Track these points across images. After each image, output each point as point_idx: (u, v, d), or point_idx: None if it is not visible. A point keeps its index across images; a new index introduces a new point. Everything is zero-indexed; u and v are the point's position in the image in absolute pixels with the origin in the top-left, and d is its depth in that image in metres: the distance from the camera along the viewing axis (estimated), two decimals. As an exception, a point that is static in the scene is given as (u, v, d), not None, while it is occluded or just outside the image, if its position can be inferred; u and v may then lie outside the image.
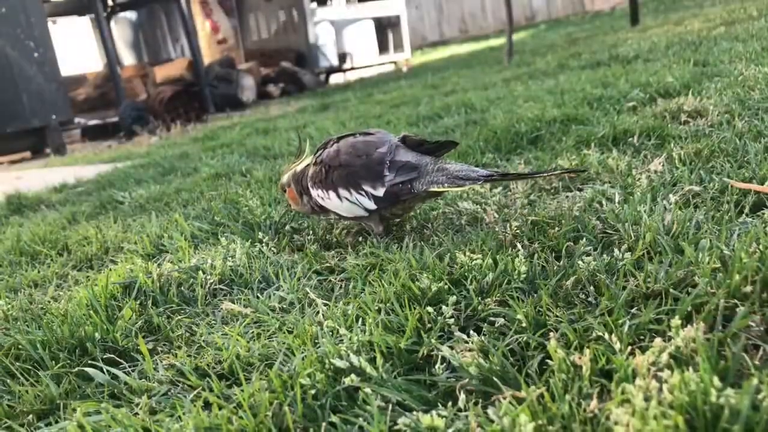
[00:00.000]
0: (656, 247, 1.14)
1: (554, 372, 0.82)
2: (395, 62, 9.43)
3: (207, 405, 0.97)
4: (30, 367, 1.21)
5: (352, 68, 8.84)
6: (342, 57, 8.69)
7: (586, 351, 0.82)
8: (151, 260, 1.70)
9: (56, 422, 1.03)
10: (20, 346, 1.28)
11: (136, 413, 0.99)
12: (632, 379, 0.76)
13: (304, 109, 5.23)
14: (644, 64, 3.34)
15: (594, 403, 0.73)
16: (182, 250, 1.67)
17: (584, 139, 2.00)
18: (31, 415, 1.06)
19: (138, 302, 1.40)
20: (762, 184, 1.33)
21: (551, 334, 0.93)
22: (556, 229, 1.31)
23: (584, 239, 1.24)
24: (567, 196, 1.57)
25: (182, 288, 1.44)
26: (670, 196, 1.36)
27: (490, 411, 0.77)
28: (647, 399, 0.67)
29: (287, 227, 1.71)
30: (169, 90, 6.60)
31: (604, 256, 1.14)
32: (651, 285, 0.99)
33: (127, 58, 9.33)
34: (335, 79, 8.94)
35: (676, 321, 0.81)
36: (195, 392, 1.01)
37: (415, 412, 0.81)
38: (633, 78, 2.87)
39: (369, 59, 9.05)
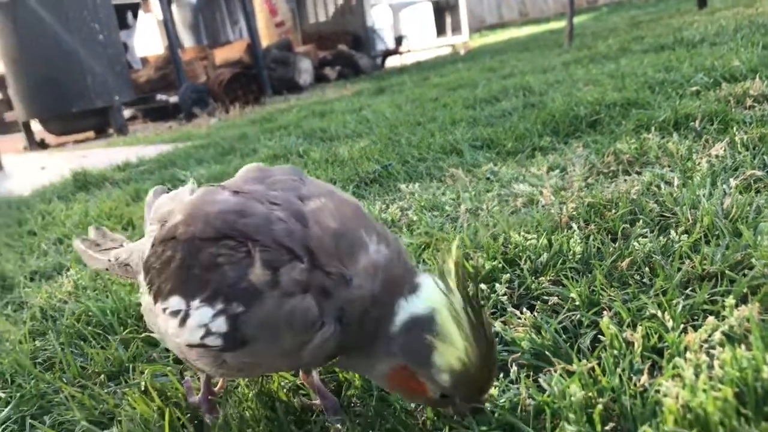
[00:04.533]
0: (714, 230, 1.13)
1: (606, 348, 0.83)
2: (453, 45, 9.37)
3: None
4: (100, 332, 1.29)
5: (409, 51, 8.82)
6: (399, 40, 8.68)
7: (639, 328, 0.83)
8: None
9: (126, 383, 1.09)
10: (91, 313, 1.35)
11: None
12: (683, 356, 0.76)
13: (360, 92, 5.26)
14: (710, 48, 3.24)
15: (644, 377, 0.74)
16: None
17: (644, 123, 1.97)
18: (102, 376, 1.13)
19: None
20: (829, 169, 1.29)
21: (604, 312, 0.94)
22: (613, 211, 1.31)
23: (641, 221, 1.23)
24: (625, 180, 1.56)
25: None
26: (731, 180, 1.34)
27: (541, 379, 0.79)
28: (697, 373, 0.68)
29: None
30: (228, 72, 6.72)
31: (661, 238, 1.14)
32: (707, 267, 0.99)
33: (187, 40, 9.52)
34: (392, 62, 8.95)
35: (730, 301, 0.81)
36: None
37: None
38: (697, 62, 2.80)
39: (426, 42, 9.01)
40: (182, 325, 0.74)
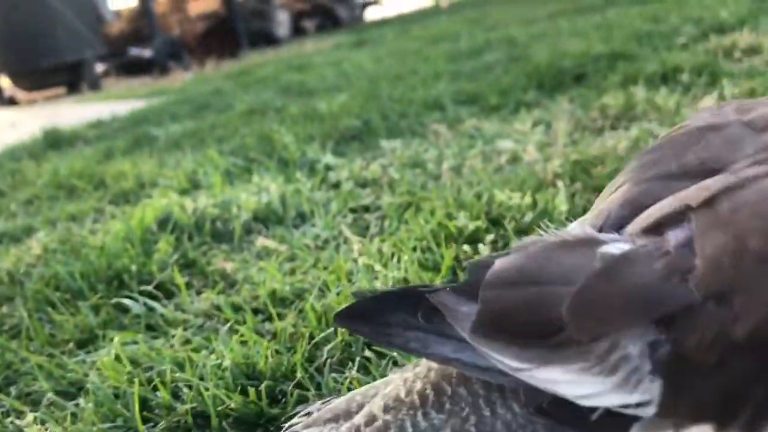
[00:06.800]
0: (706, 188, 1.09)
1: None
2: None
3: (243, 337, 0.98)
4: (69, 297, 1.24)
5: (390, 3, 8.65)
6: (379, -9, 8.50)
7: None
8: (186, 195, 1.70)
9: (95, 350, 1.05)
10: (59, 277, 1.30)
11: (172, 345, 1.00)
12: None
13: (340, 44, 5.15)
14: (697, -1, 3.18)
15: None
16: (216, 185, 1.66)
17: (631, 76, 1.92)
18: (71, 343, 1.08)
19: (174, 236, 1.40)
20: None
21: (593, 275, 0.90)
22: (600, 168, 1.27)
23: (629, 179, 1.19)
24: (612, 135, 1.51)
25: (217, 223, 1.44)
26: (722, 135, 1.30)
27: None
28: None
29: (322, 164, 1.70)
30: (202, 25, 6.55)
31: (650, 196, 1.10)
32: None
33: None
34: (372, 14, 8.77)
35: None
36: (229, 325, 1.01)
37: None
38: (685, 13, 2.74)
39: (406, -6, 8.83)
40: None
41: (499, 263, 0.44)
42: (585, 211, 1.11)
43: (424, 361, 0.49)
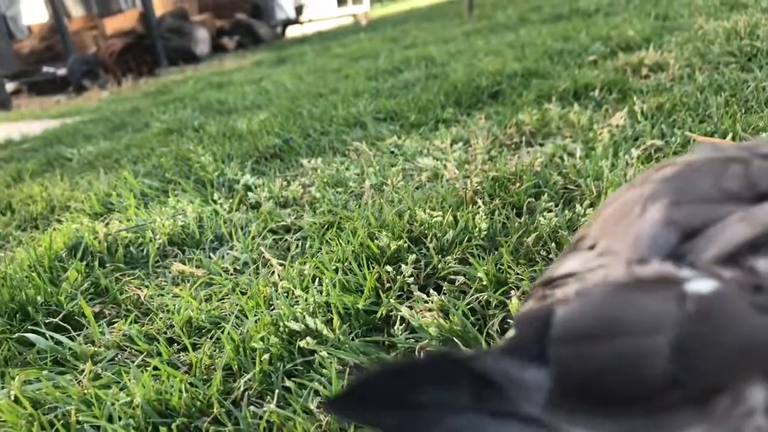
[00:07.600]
0: (618, 202, 1.12)
1: (516, 332, 0.79)
2: (354, 15, 9.25)
3: (156, 370, 0.93)
4: (-32, 334, 1.15)
5: (310, 21, 8.64)
6: (299, 9, 8.48)
7: (549, 310, 0.79)
8: (99, 219, 1.63)
9: (-5, 391, 0.98)
10: (-43, 311, 1.21)
11: (80, 381, 0.94)
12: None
13: (260, 62, 5.09)
14: (605, 18, 3.31)
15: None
16: (131, 208, 1.60)
17: (545, 93, 1.97)
18: (-32, 384, 1.00)
19: (84, 263, 1.33)
20: (723, 137, 1.32)
21: (513, 291, 0.91)
22: (517, 185, 1.29)
23: (545, 195, 1.21)
24: (528, 152, 1.54)
25: (131, 248, 1.38)
26: (632, 150, 1.34)
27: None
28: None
29: (241, 184, 1.65)
30: (119, 43, 6.36)
31: (566, 211, 1.12)
32: (613, 241, 0.97)
33: (76, 9, 8.93)
34: (292, 32, 8.73)
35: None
36: (142, 357, 0.96)
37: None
38: (594, 32, 2.84)
39: (327, 12, 8.85)
40: None
41: (565, 312, 0.35)
42: (505, 227, 1.13)
43: None
